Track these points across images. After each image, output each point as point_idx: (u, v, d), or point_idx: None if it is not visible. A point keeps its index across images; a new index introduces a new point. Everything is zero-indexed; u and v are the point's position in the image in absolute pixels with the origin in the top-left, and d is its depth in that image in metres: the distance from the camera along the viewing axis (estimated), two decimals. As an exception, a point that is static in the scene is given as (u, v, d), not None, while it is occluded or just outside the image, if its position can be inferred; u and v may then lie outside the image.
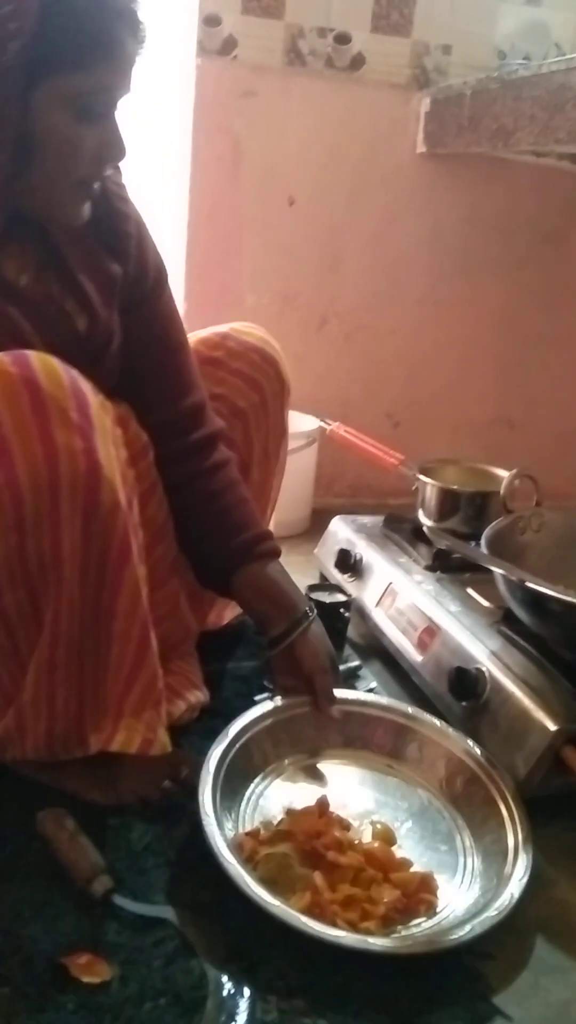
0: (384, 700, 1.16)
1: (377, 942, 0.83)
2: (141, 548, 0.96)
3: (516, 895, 0.88)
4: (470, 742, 1.08)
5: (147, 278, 1.06)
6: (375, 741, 1.11)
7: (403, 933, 0.86)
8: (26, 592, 0.89)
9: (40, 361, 0.84)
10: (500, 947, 0.88)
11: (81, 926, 0.85)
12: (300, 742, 1.09)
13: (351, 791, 1.03)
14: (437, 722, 1.11)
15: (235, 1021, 0.76)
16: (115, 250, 1.01)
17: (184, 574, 1.16)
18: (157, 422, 1.07)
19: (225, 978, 0.80)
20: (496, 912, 0.86)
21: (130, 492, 0.93)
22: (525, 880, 0.90)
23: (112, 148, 0.89)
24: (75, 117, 0.85)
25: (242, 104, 1.76)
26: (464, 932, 0.84)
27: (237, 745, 1.03)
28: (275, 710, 1.09)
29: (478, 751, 1.06)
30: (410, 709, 1.14)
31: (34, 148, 0.85)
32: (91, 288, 0.99)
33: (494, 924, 0.85)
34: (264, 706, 1.10)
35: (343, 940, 0.82)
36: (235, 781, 1.00)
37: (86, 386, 0.87)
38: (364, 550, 1.48)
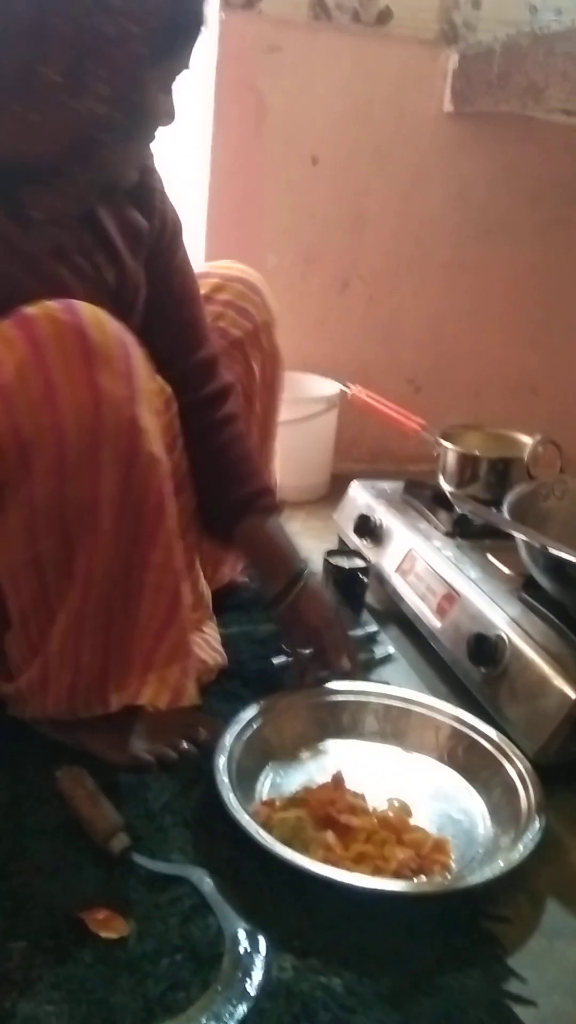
0: (397, 690, 1.15)
1: (387, 885, 0.84)
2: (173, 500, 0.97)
3: (527, 849, 0.89)
4: (477, 719, 1.07)
5: (167, 231, 1.06)
6: (392, 728, 1.11)
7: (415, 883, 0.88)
8: (61, 539, 0.89)
9: (90, 311, 0.85)
10: (515, 911, 0.88)
11: (99, 883, 0.86)
12: (317, 728, 1.09)
13: (369, 773, 1.02)
14: (449, 706, 1.11)
15: (251, 978, 0.77)
16: (141, 204, 1.02)
17: (199, 530, 1.16)
18: (171, 375, 1.07)
19: (241, 935, 0.81)
20: (506, 863, 0.87)
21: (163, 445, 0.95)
22: (538, 837, 0.90)
23: (172, 116, 0.92)
24: (164, 92, 0.89)
25: (266, 60, 1.73)
26: (475, 878, 0.85)
27: (255, 726, 1.04)
28: (292, 697, 1.10)
29: (489, 728, 1.06)
30: (416, 694, 1.14)
31: (142, 121, 0.89)
32: (120, 242, 0.99)
33: (505, 872, 0.86)
34: (283, 692, 1.11)
35: (354, 883, 0.83)
36: (252, 761, 1.01)
37: (130, 339, 0.88)
38: (384, 515, 1.47)
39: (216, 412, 1.11)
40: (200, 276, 1.19)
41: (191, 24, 0.87)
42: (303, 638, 1.12)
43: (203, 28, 0.90)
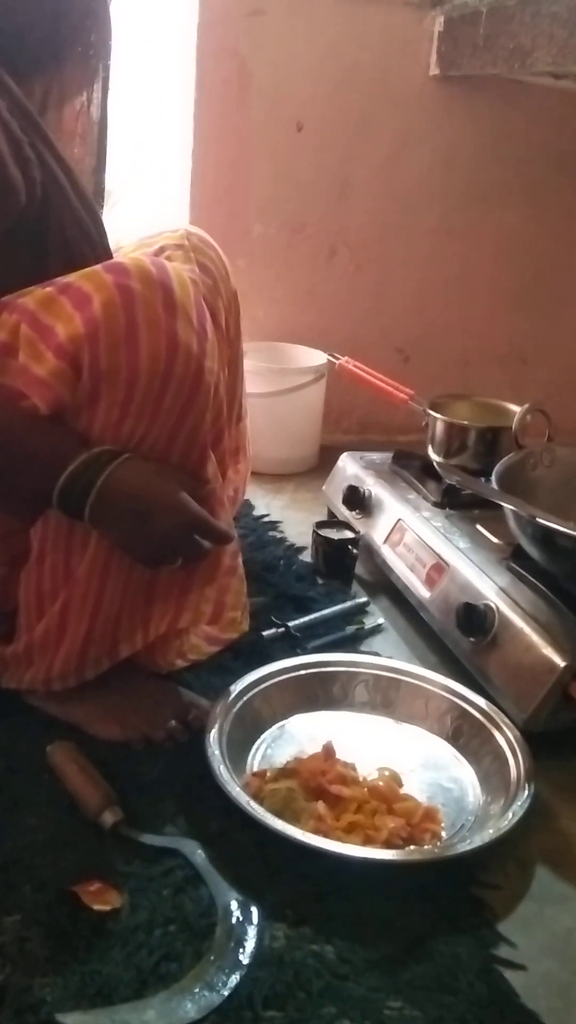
0: (387, 660, 1.16)
1: (378, 854, 0.85)
2: (227, 470, 1.02)
3: (516, 816, 0.90)
4: (466, 689, 1.08)
5: None
6: (382, 699, 1.11)
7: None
8: None
9: (176, 272, 0.91)
10: (505, 877, 0.89)
11: (91, 856, 0.86)
12: (307, 699, 1.09)
13: (359, 743, 1.03)
14: (439, 677, 1.11)
15: (243, 947, 0.77)
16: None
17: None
18: None
19: (234, 906, 0.82)
20: (495, 831, 0.88)
21: (225, 416, 1.01)
22: (527, 805, 0.91)
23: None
24: None
25: (249, 23, 1.70)
26: (465, 846, 0.86)
27: (245, 698, 1.04)
28: (284, 668, 1.10)
29: (479, 697, 1.06)
30: (406, 664, 1.14)
31: None
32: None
33: (495, 839, 0.87)
34: (275, 663, 1.10)
35: (345, 852, 0.84)
36: (243, 733, 1.01)
37: (205, 305, 0.93)
38: (373, 486, 1.46)
39: None
40: (150, 241, 1.18)
41: None
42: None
43: None
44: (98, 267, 0.89)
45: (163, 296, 0.88)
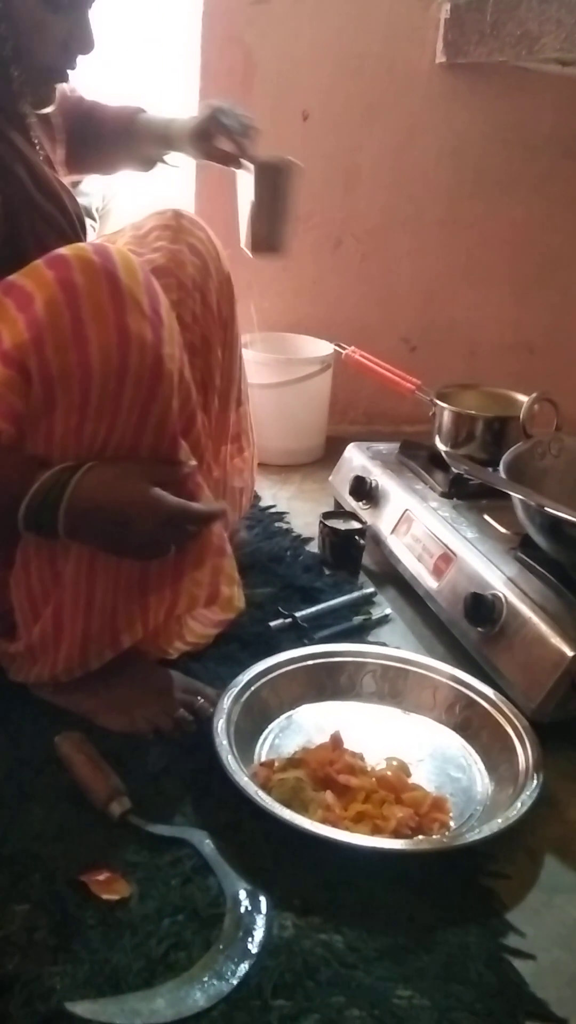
0: (395, 651, 1.16)
1: (387, 844, 0.85)
2: (205, 453, 1.00)
3: (525, 806, 0.89)
4: (474, 679, 1.07)
5: (69, 106, 1.17)
6: (390, 689, 1.11)
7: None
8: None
9: (120, 254, 0.87)
10: (513, 867, 0.89)
11: (99, 846, 0.86)
12: (315, 689, 1.09)
13: (367, 733, 1.03)
14: (447, 667, 1.11)
15: (252, 937, 0.77)
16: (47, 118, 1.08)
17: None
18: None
19: (242, 895, 0.82)
20: (504, 820, 0.88)
21: (195, 400, 0.96)
22: (536, 794, 0.91)
23: (79, 40, 0.94)
24: (40, 3, 0.90)
25: (254, 12, 1.69)
26: (473, 836, 0.86)
27: (252, 688, 1.04)
28: (292, 659, 1.09)
29: (487, 687, 1.06)
30: (413, 654, 1.14)
31: (8, 27, 0.91)
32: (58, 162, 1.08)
33: (503, 829, 0.87)
34: (282, 654, 1.10)
35: (353, 842, 0.84)
36: (251, 723, 1.01)
37: (157, 284, 0.89)
38: (379, 477, 1.46)
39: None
40: (138, 225, 1.19)
41: None
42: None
43: None
44: (39, 262, 0.87)
45: (108, 286, 0.84)
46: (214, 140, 1.18)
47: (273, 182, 1.18)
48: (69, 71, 0.99)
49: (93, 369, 0.84)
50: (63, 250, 0.86)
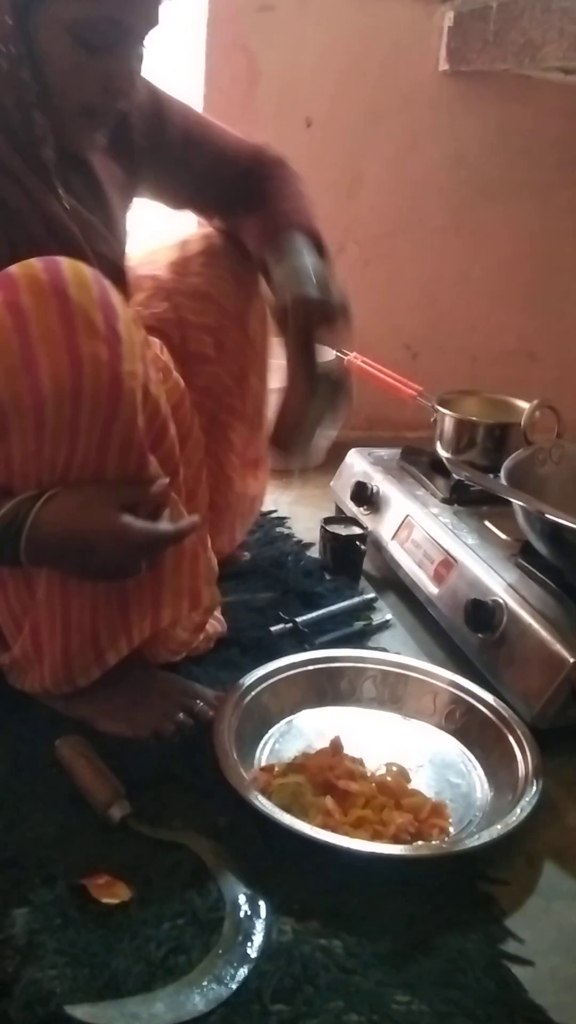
0: (395, 656, 1.16)
1: (386, 849, 0.85)
2: (179, 464, 0.97)
3: (525, 811, 0.90)
4: (474, 685, 1.08)
5: (149, 119, 1.07)
6: (390, 694, 1.11)
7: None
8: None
9: (71, 270, 0.83)
10: (512, 873, 0.89)
11: (100, 850, 0.86)
12: (315, 694, 1.09)
13: (367, 739, 1.03)
14: (447, 672, 1.11)
15: (251, 941, 0.78)
16: (116, 146, 1.02)
17: (205, 493, 1.14)
18: (237, 191, 1.14)
19: (242, 900, 0.82)
20: (503, 826, 0.88)
21: (165, 409, 0.93)
22: (535, 800, 0.91)
23: (122, 81, 0.89)
24: (76, 44, 0.85)
25: (258, 19, 1.70)
26: (473, 842, 0.86)
27: (253, 693, 1.04)
28: (292, 664, 1.10)
29: (487, 693, 1.06)
30: (414, 660, 1.14)
31: (42, 67, 0.87)
32: (106, 184, 1.01)
33: (502, 835, 0.87)
34: (283, 659, 1.10)
35: (353, 847, 0.84)
36: (251, 728, 1.01)
37: (116, 298, 0.86)
38: (381, 483, 1.46)
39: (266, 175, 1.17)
40: (172, 250, 1.18)
41: None
42: (280, 313, 1.04)
43: None
44: None
45: (58, 306, 0.81)
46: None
47: (330, 395, 1.06)
48: (114, 114, 0.94)
49: (45, 394, 0.81)
50: (12, 268, 0.83)
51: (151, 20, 0.90)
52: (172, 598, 0.97)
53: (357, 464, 1.55)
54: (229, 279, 1.17)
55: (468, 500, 1.36)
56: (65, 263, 0.83)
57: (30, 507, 0.84)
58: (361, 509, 1.48)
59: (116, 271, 1.02)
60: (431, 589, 1.26)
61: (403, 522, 1.37)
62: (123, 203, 1.07)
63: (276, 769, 0.96)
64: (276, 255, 1.07)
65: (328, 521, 1.44)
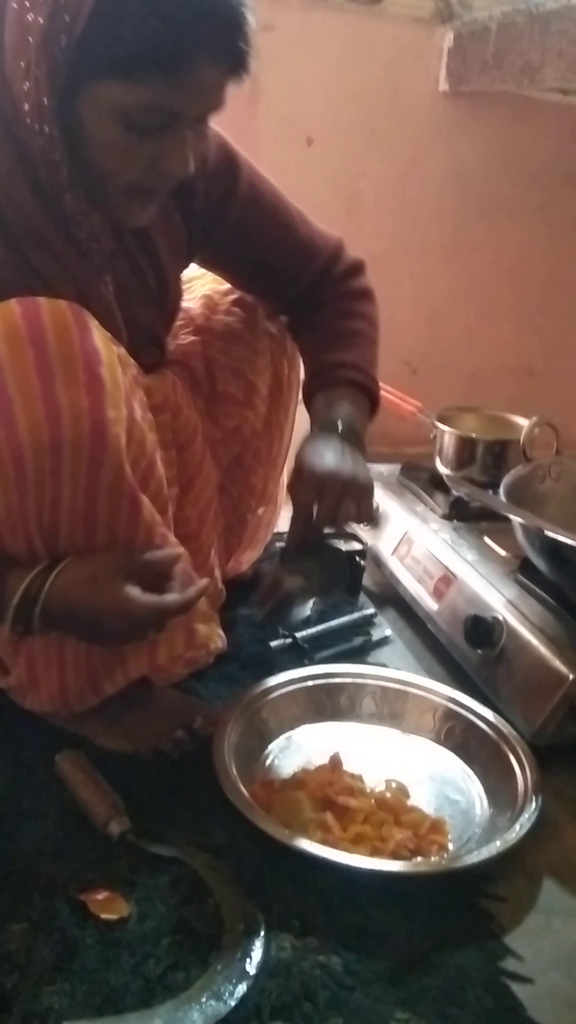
0: (394, 672, 1.16)
1: (385, 865, 0.85)
2: (168, 501, 0.96)
3: (524, 828, 0.89)
4: (474, 701, 1.08)
5: (217, 187, 1.02)
6: (390, 710, 1.11)
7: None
8: (26, 545, 0.86)
9: (51, 314, 0.81)
10: (512, 890, 0.89)
11: (99, 865, 0.86)
12: (315, 710, 1.09)
13: (366, 754, 1.03)
14: (446, 689, 1.11)
15: (250, 958, 0.77)
16: (180, 198, 0.98)
17: (215, 527, 1.14)
18: (300, 293, 1.10)
19: (241, 916, 0.81)
20: (503, 843, 0.88)
21: (152, 447, 0.91)
22: (535, 817, 0.91)
23: (172, 162, 0.84)
24: (122, 126, 0.81)
25: (260, 39, 1.69)
26: (472, 858, 0.86)
27: (254, 708, 1.04)
28: (292, 679, 1.10)
29: (486, 710, 1.06)
30: (413, 676, 1.14)
31: (82, 146, 0.83)
32: (162, 245, 0.98)
33: (502, 852, 0.87)
34: (283, 674, 1.10)
35: (352, 863, 0.84)
36: (250, 743, 1.01)
37: (100, 340, 0.83)
38: (380, 498, 1.46)
39: (344, 295, 1.14)
40: (214, 304, 1.16)
41: (153, 45, 0.76)
42: (302, 487, 0.99)
43: (210, 65, 0.80)
44: None
45: (35, 355, 0.79)
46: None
47: (325, 576, 1.03)
48: (167, 191, 0.90)
49: (23, 446, 0.79)
50: None
51: (211, 107, 0.85)
52: (167, 635, 0.95)
53: (357, 480, 1.55)
54: (260, 321, 1.17)
55: (467, 516, 1.37)
56: (45, 306, 0.81)
57: (43, 582, 0.84)
58: (361, 524, 1.48)
59: (150, 336, 1.00)
60: (431, 605, 1.26)
61: (403, 538, 1.37)
62: (178, 264, 1.03)
63: (275, 785, 0.96)
64: (314, 413, 1.08)
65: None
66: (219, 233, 1.04)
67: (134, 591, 0.85)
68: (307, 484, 0.98)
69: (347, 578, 1.02)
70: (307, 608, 1.05)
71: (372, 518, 1.06)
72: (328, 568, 1.01)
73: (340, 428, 1.04)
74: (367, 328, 1.14)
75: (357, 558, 1.39)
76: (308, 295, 1.13)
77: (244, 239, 1.07)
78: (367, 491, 1.01)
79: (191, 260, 1.07)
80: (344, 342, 1.11)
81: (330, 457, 1.00)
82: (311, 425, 1.07)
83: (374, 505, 1.03)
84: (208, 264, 1.12)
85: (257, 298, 1.17)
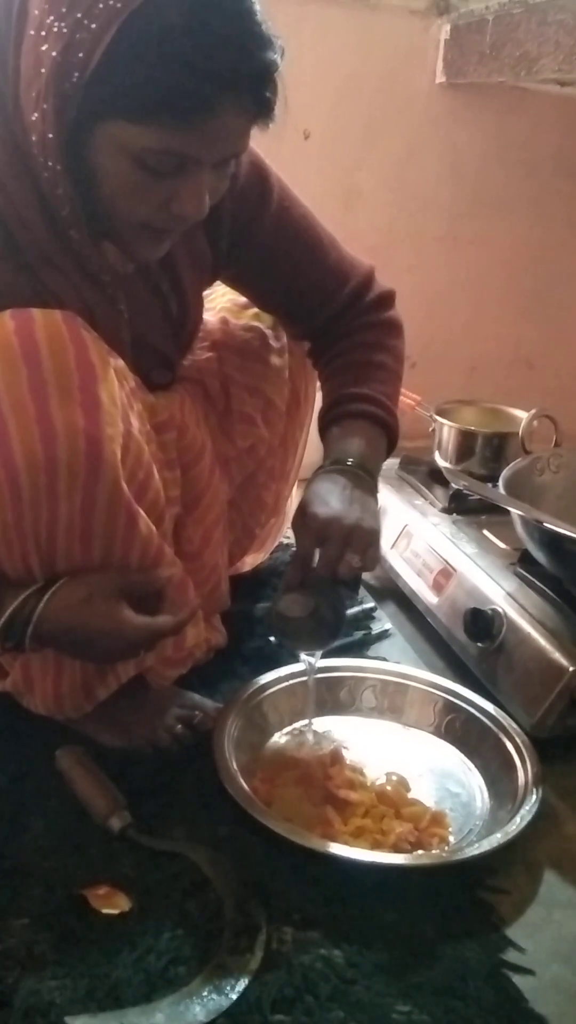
0: (394, 666, 1.16)
1: (386, 858, 0.85)
2: (165, 511, 0.95)
3: (524, 820, 0.89)
4: (474, 694, 1.08)
5: (245, 208, 0.99)
6: (390, 704, 1.11)
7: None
8: (22, 560, 0.85)
9: (45, 330, 0.79)
10: (513, 882, 0.89)
11: (100, 860, 0.86)
12: (315, 704, 1.08)
13: (367, 748, 1.03)
14: (446, 682, 1.11)
15: (251, 951, 0.77)
16: (206, 218, 0.93)
17: (222, 544, 1.13)
18: (325, 320, 1.07)
19: (242, 910, 0.81)
20: (503, 835, 0.88)
21: (148, 459, 0.90)
22: (535, 810, 0.91)
23: (184, 204, 0.81)
24: (136, 165, 0.78)
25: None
26: (473, 851, 0.86)
27: (254, 702, 1.04)
28: (292, 673, 1.09)
29: (486, 702, 1.06)
30: (413, 669, 1.14)
31: (91, 182, 0.80)
32: (185, 266, 0.96)
33: (503, 844, 0.87)
34: (283, 669, 1.10)
35: (353, 857, 0.84)
36: (251, 737, 1.01)
37: (97, 354, 0.82)
38: (379, 492, 1.46)
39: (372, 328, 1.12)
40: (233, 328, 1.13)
41: (169, 88, 0.73)
42: (304, 532, 0.96)
43: (231, 109, 0.76)
44: None
45: (28, 373, 0.78)
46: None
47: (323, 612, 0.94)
48: (177, 231, 0.87)
49: (18, 467, 0.78)
50: None
51: (232, 152, 0.83)
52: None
53: (356, 474, 1.55)
54: (279, 335, 1.15)
55: (467, 509, 1.36)
56: (39, 320, 0.79)
57: (36, 602, 0.83)
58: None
59: (161, 358, 0.99)
60: (430, 598, 1.26)
61: (402, 531, 1.37)
62: (201, 285, 1.01)
63: (276, 779, 0.96)
64: (327, 446, 1.06)
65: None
66: (245, 255, 1.02)
67: (127, 613, 0.85)
68: (309, 529, 0.94)
69: (334, 631, 0.96)
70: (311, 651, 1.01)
71: (377, 567, 1.01)
72: (319, 617, 0.94)
73: (351, 464, 1.01)
74: (391, 362, 1.12)
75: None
76: (333, 323, 1.10)
77: (270, 263, 1.03)
78: (372, 540, 0.95)
79: (215, 280, 1.05)
80: (365, 374, 1.08)
81: (335, 501, 0.96)
82: (323, 458, 1.05)
83: (379, 554, 0.98)
84: (231, 283, 1.10)
85: (280, 322, 1.14)
